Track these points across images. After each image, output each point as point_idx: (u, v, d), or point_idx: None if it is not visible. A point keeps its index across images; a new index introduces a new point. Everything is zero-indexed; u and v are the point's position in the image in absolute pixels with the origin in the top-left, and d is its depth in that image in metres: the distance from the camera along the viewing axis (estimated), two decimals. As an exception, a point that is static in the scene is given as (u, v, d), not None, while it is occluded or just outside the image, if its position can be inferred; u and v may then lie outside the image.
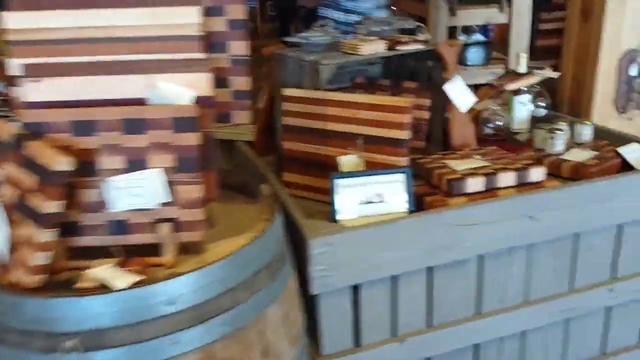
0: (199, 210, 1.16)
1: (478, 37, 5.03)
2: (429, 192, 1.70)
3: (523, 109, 2.20)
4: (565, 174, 1.86)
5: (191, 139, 1.14)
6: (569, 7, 2.48)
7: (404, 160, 1.63)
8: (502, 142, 2.22)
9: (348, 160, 1.67)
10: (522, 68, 2.17)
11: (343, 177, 1.54)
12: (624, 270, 1.85)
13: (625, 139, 2.03)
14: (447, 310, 1.67)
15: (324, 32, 1.90)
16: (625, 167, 1.88)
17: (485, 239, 1.61)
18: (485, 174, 1.66)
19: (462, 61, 4.78)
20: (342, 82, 2.25)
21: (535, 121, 2.27)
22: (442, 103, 2.03)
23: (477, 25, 5.45)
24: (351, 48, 1.81)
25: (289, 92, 1.79)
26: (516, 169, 1.69)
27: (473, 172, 1.68)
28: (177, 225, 1.15)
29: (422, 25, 2.08)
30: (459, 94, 1.99)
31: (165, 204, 1.14)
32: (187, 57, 1.22)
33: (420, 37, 2.03)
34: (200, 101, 1.20)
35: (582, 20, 2.38)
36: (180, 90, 1.19)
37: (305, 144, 1.77)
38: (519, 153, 2.01)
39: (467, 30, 5.06)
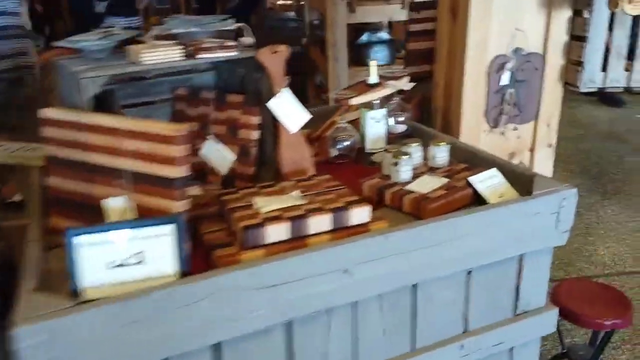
0: None
1: (382, 35, 4.75)
2: (225, 242, 1.33)
3: (376, 125, 1.87)
4: (406, 209, 1.55)
5: None
6: (439, 5, 2.18)
7: (179, 206, 1.25)
8: (354, 165, 1.90)
9: (115, 205, 1.29)
10: (372, 79, 1.85)
11: (85, 233, 1.14)
12: (476, 322, 1.56)
13: (488, 162, 1.73)
14: (247, 392, 1.31)
15: (106, 35, 1.50)
16: (480, 198, 1.58)
17: (289, 303, 1.26)
18: (293, 218, 1.31)
19: (364, 61, 4.51)
20: (159, 93, 1.86)
21: (394, 139, 1.96)
22: (275, 121, 1.68)
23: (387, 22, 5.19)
24: (134, 55, 1.42)
25: (46, 113, 1.38)
26: (333, 210, 1.35)
27: (279, 216, 1.33)
28: None
29: (245, 26, 1.71)
30: (288, 111, 1.64)
31: None
32: None
33: (243, 41, 1.67)
34: None
35: (451, 20, 2.08)
36: None
37: (71, 180, 1.37)
38: (365, 180, 1.69)
39: (372, 27, 4.78)
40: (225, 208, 1.40)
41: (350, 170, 1.83)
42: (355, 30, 4.50)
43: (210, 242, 1.33)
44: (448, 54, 2.12)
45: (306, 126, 1.88)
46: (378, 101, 1.88)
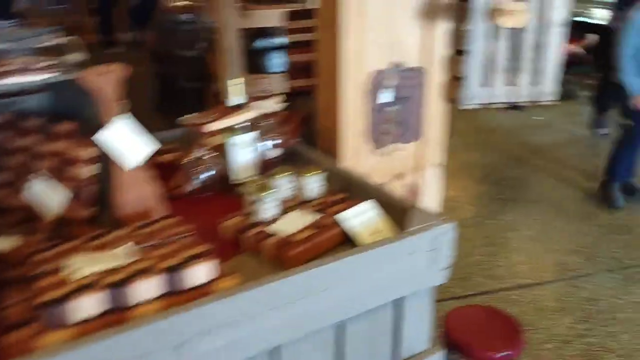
0: None
1: (278, 41, 4.56)
2: (27, 319, 1.05)
3: (243, 152, 1.65)
4: (266, 255, 1.34)
5: None
6: (316, 14, 1.99)
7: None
8: (220, 198, 1.66)
9: None
10: (233, 100, 1.62)
11: None
12: (353, 378, 1.38)
13: (365, 191, 1.56)
14: None
15: None
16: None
17: (108, 393, 1.01)
18: (112, 285, 1.06)
19: (261, 69, 4.29)
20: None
21: (269, 165, 1.74)
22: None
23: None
24: None
25: None
26: (167, 270, 1.11)
27: (94, 282, 1.06)
28: None
29: (76, 41, 1.43)
30: (124, 143, 1.37)
31: None
32: None
33: (68, 60, 1.39)
34: None
35: (326, 32, 1.89)
36: None
37: None
38: (226, 219, 1.46)
39: (268, 33, 4.57)
40: (29, 273, 1.12)
41: (214, 205, 1.60)
42: (251, 35, 4.28)
43: (8, 320, 1.05)
44: (326, 68, 1.94)
45: (175, 150, 1.62)
46: (247, 124, 1.66)
